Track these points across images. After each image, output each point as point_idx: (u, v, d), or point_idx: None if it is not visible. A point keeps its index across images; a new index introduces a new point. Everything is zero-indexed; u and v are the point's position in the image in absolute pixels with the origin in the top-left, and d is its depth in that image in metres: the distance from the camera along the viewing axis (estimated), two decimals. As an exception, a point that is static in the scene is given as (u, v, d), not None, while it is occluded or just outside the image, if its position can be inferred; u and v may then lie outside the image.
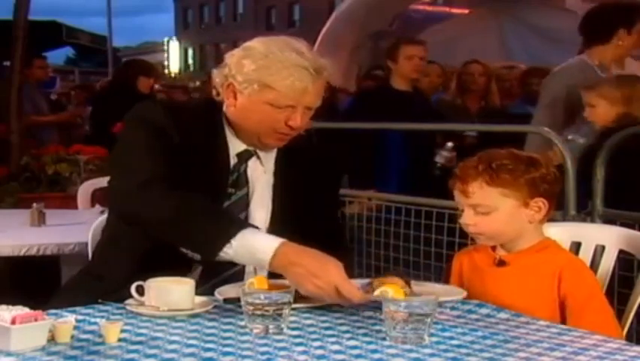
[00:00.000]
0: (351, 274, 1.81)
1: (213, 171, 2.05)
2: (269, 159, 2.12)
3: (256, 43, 2.02)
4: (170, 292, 1.77)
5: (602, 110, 3.26)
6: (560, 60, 5.55)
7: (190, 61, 52.10)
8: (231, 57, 2.03)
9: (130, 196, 1.93)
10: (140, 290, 1.79)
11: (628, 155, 2.94)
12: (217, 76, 2.06)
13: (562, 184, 2.14)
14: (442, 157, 4.21)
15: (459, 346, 1.60)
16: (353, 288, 1.76)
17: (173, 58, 45.32)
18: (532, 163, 1.99)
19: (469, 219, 2.01)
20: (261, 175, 2.11)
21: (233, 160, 2.08)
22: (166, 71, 35.70)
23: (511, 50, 7.87)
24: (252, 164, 2.11)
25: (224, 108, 2.09)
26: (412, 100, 4.62)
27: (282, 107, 1.98)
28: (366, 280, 1.89)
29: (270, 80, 1.96)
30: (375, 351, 1.56)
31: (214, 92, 2.08)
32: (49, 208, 3.36)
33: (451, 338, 1.64)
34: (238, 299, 1.72)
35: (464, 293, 1.86)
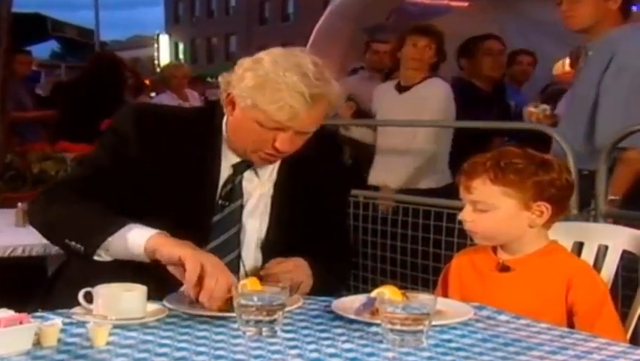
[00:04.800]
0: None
1: (202, 183, 2.07)
2: (266, 170, 2.13)
3: (266, 57, 2.00)
4: (119, 300, 1.73)
5: None
6: (561, 54, 5.55)
7: (181, 55, 52.01)
8: (241, 65, 2.02)
9: (32, 202, 2.13)
10: (89, 297, 1.75)
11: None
12: (222, 82, 2.05)
13: (572, 191, 2.11)
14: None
15: (458, 349, 1.60)
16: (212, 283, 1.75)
17: (164, 52, 45.24)
18: (543, 165, 1.97)
19: (467, 216, 2.01)
20: (257, 187, 2.12)
21: (228, 171, 2.09)
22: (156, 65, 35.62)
23: (512, 44, 7.87)
24: (248, 175, 2.12)
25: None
26: (493, 100, 4.60)
27: (269, 128, 1.97)
28: (364, 296, 1.85)
29: (260, 101, 1.95)
30: (371, 355, 1.56)
31: (221, 99, 2.09)
32: (35, 208, 3.35)
33: (450, 341, 1.64)
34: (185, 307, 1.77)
35: (472, 313, 1.81)
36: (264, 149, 2.02)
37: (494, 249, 2.06)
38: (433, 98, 4.15)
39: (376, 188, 4.19)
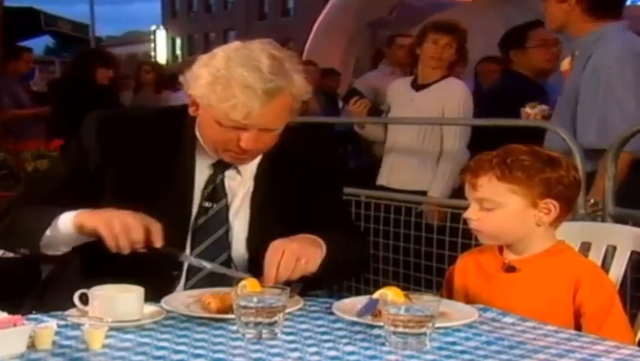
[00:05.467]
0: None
1: (176, 187, 2.06)
2: (247, 167, 2.11)
3: (220, 53, 1.97)
4: (116, 302, 1.73)
5: None
6: (566, 49, 5.52)
7: (178, 51, 51.98)
8: (197, 63, 1.99)
9: None
10: (84, 299, 1.76)
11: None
12: (183, 81, 2.02)
13: (580, 189, 2.10)
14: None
15: (462, 352, 1.60)
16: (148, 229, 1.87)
17: (160, 48, 45.22)
18: (551, 163, 1.97)
19: (472, 214, 2.01)
20: (240, 185, 2.11)
21: (208, 171, 2.09)
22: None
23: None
24: (230, 174, 2.10)
25: None
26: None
27: (229, 127, 1.95)
28: (366, 297, 1.85)
29: (214, 99, 1.93)
30: (373, 357, 1.56)
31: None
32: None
33: (454, 344, 1.64)
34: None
35: (476, 315, 1.81)
36: (232, 148, 1.99)
37: (500, 249, 2.06)
38: (452, 98, 4.06)
39: (386, 189, 4.08)
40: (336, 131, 5.52)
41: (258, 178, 2.12)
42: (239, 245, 2.09)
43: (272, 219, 2.08)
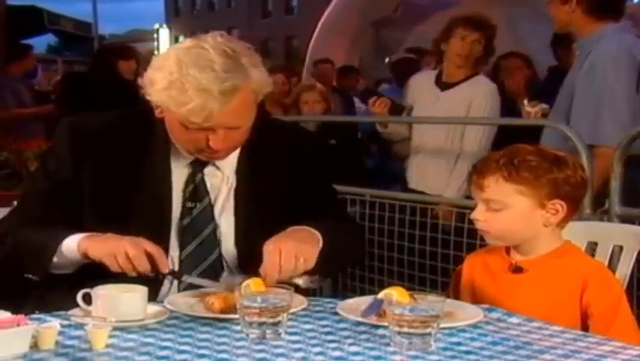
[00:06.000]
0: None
1: (153, 189, 2.05)
2: (226, 162, 2.08)
3: (172, 54, 1.93)
4: (119, 301, 1.74)
5: None
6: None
7: (181, 50, 51.90)
8: (150, 66, 1.95)
9: None
10: (88, 299, 1.76)
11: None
12: (141, 85, 1.97)
13: (587, 189, 2.10)
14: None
15: (467, 352, 1.60)
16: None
17: (163, 46, 45.20)
18: (557, 162, 1.97)
19: (479, 215, 2.01)
20: (223, 182, 2.09)
21: (187, 171, 2.07)
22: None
23: (522, 37, 7.87)
24: (210, 171, 2.08)
25: None
26: None
27: (194, 129, 1.92)
28: (370, 297, 1.84)
29: (172, 104, 1.89)
30: (378, 358, 1.56)
31: None
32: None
33: (459, 344, 1.64)
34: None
35: (482, 315, 1.80)
36: (204, 149, 1.97)
37: (507, 250, 2.05)
38: (479, 98, 3.92)
39: (420, 192, 3.99)
40: (363, 130, 5.47)
41: (240, 173, 2.09)
42: (228, 242, 2.07)
43: (259, 213, 2.06)
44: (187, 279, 1.98)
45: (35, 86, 8.71)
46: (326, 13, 8.53)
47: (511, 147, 2.02)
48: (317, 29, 8.07)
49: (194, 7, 52.46)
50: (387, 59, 7.60)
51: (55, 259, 1.97)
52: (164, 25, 47.93)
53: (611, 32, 3.17)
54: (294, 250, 1.89)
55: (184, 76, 1.86)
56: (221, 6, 49.37)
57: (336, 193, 2.32)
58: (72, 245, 1.94)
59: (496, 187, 1.96)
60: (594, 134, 3.06)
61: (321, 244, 1.97)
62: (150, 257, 1.87)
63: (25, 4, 9.87)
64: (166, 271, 1.91)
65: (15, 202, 3.16)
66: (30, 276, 2.02)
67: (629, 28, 3.33)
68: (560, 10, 3.25)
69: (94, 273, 1.93)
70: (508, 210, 1.96)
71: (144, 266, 1.86)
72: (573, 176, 1.98)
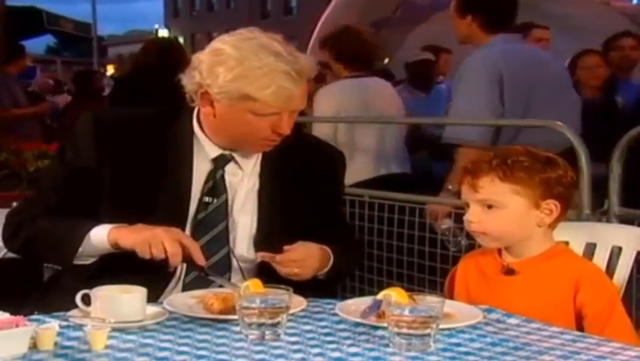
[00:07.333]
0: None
1: (174, 183, 2.07)
2: (248, 162, 2.13)
3: (226, 46, 1.98)
4: (118, 302, 1.74)
5: None
6: (573, 48, 5.51)
7: (180, 50, 51.91)
8: (200, 63, 1.99)
9: (3, 228, 2.15)
10: (87, 299, 1.76)
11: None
12: (187, 83, 2.02)
13: (575, 189, 2.12)
14: None
15: (467, 353, 1.60)
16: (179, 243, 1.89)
17: (163, 47, 45.15)
18: (549, 163, 1.98)
19: (473, 216, 2.01)
20: (243, 181, 2.12)
21: (208, 167, 2.09)
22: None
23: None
24: (231, 169, 2.11)
25: (198, 114, 2.09)
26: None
27: (266, 114, 1.97)
28: (369, 298, 1.85)
29: (251, 90, 1.94)
30: (377, 358, 1.56)
31: (188, 98, 2.06)
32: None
33: (459, 345, 1.65)
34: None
35: (481, 316, 1.81)
36: (265, 137, 2.01)
37: (499, 251, 2.06)
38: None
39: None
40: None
41: (264, 176, 2.13)
42: (242, 242, 2.10)
43: (279, 217, 2.10)
44: (215, 278, 1.98)
45: (34, 87, 8.73)
46: (325, 14, 8.53)
47: (501, 147, 2.04)
48: (317, 30, 8.07)
49: (194, 8, 52.47)
50: (386, 60, 7.58)
51: (80, 249, 1.98)
52: (164, 26, 47.95)
53: (497, 43, 3.46)
54: (312, 269, 2.02)
55: (256, 61, 1.93)
56: (220, 7, 49.37)
57: (343, 205, 2.41)
58: (101, 234, 1.96)
59: (492, 187, 1.96)
60: (451, 132, 3.49)
61: (331, 264, 2.09)
62: (184, 249, 1.90)
63: (24, 4, 9.87)
64: (203, 263, 1.92)
65: (14, 203, 3.18)
66: (52, 265, 2.03)
67: (516, 40, 3.68)
68: (460, 23, 3.55)
69: (95, 274, 1.94)
70: (503, 210, 1.97)
71: (178, 257, 1.88)
72: (564, 176, 1.99)
